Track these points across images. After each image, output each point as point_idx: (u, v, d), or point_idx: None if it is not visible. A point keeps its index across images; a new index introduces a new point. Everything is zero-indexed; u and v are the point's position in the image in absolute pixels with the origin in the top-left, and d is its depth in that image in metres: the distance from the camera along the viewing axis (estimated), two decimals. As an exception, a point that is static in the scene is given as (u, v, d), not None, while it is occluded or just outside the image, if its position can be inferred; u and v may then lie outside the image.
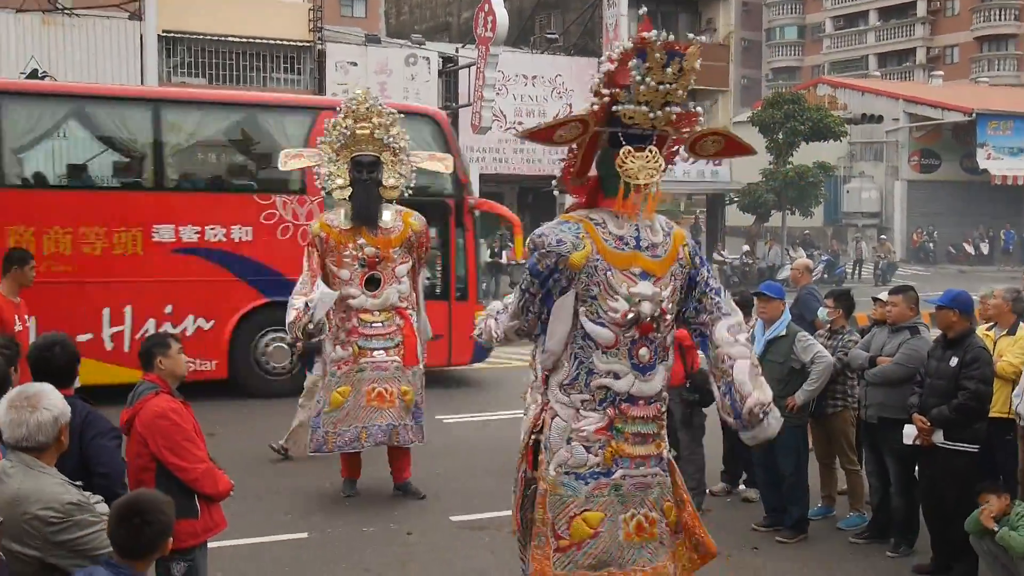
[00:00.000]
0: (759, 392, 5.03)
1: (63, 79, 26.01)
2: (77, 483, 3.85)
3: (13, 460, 3.77)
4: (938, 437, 6.67)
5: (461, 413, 12.18)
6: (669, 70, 4.76)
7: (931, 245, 41.17)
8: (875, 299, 7.98)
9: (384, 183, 8.58)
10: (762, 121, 32.51)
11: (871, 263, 35.46)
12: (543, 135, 5.00)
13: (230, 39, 28.48)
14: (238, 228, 12.69)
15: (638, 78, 4.74)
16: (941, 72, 52.36)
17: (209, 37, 28.34)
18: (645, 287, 4.94)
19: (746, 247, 33.53)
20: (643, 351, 5.00)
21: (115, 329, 12.20)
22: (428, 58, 30.38)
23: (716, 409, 5.30)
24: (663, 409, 5.14)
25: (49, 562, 3.70)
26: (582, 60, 31.64)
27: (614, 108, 4.84)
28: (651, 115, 4.83)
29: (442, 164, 9.69)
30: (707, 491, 8.51)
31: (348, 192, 8.49)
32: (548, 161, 30.11)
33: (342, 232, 8.44)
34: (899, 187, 42.23)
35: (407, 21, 39.20)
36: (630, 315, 4.91)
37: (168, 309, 12.42)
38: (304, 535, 7.70)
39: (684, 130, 5.01)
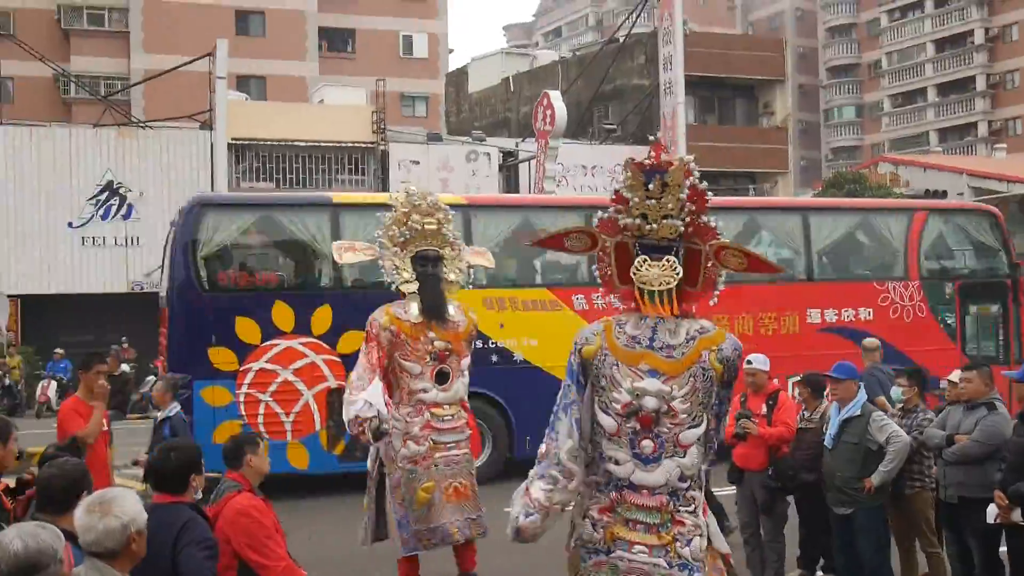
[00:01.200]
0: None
1: (138, 189, 26.95)
2: None
3: (88, 566, 3.82)
4: (1017, 516, 6.48)
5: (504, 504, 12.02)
6: (651, 187, 5.35)
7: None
8: (949, 381, 7.85)
9: (446, 277, 8.70)
10: (824, 202, 32.40)
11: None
12: (553, 242, 5.73)
13: (296, 143, 29.31)
14: (864, 310, 14.92)
15: (625, 194, 5.40)
16: (1004, 145, 51.85)
17: (276, 143, 29.19)
18: (651, 383, 5.36)
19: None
20: (646, 443, 5.39)
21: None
22: (488, 153, 30.92)
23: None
24: (676, 506, 5.40)
25: None
26: (641, 149, 31.83)
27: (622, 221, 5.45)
28: (647, 227, 5.39)
29: (484, 259, 9.79)
30: (785, 578, 8.32)
31: (414, 286, 8.56)
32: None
33: (413, 326, 8.44)
34: (969, 262, 41.56)
35: (467, 118, 40.01)
36: (630, 407, 5.35)
37: None
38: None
39: (709, 242, 5.49)
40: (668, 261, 5.45)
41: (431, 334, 8.45)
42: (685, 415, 5.40)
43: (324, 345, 12.18)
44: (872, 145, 71.85)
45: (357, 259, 9.45)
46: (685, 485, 5.46)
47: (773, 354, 12.87)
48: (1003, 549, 7.02)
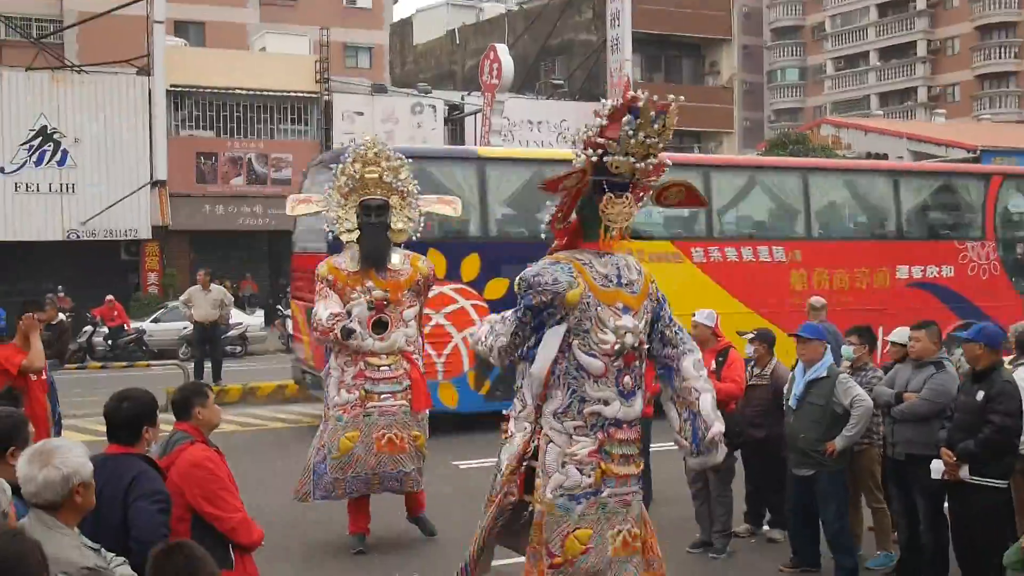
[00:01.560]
0: (719, 424, 5.73)
1: (72, 135, 26.26)
2: (95, 546, 3.73)
3: (33, 518, 3.68)
4: (964, 472, 6.57)
5: (476, 458, 12.06)
6: (656, 126, 5.45)
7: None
8: (891, 342, 7.91)
9: (392, 227, 8.61)
10: (767, 162, 32.60)
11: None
12: (553, 185, 5.69)
13: (237, 91, 28.75)
14: (946, 267, 16.20)
15: (630, 132, 5.39)
16: (943, 111, 52.57)
17: (216, 90, 28.58)
18: (628, 320, 5.57)
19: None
20: (627, 379, 5.62)
21: None
22: (434, 106, 30.63)
23: (673, 433, 5.87)
24: (640, 432, 5.76)
25: None
26: (587, 105, 31.78)
27: (604, 158, 5.46)
28: (637, 166, 5.48)
29: (451, 208, 9.71)
30: (732, 533, 8.39)
31: (355, 235, 8.51)
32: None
33: (350, 275, 8.44)
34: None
35: (412, 70, 39.56)
36: (617, 346, 5.51)
37: None
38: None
39: (652, 179, 5.66)
40: (627, 198, 5.60)
41: (369, 283, 8.43)
42: (646, 346, 5.71)
43: (472, 291, 12.95)
44: (814, 107, 72.50)
45: (309, 211, 9.44)
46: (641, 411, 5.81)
47: (866, 306, 14.54)
48: (946, 506, 7.15)
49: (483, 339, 5.88)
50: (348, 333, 8.14)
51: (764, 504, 8.75)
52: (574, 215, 5.76)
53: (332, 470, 8.23)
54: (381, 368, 8.38)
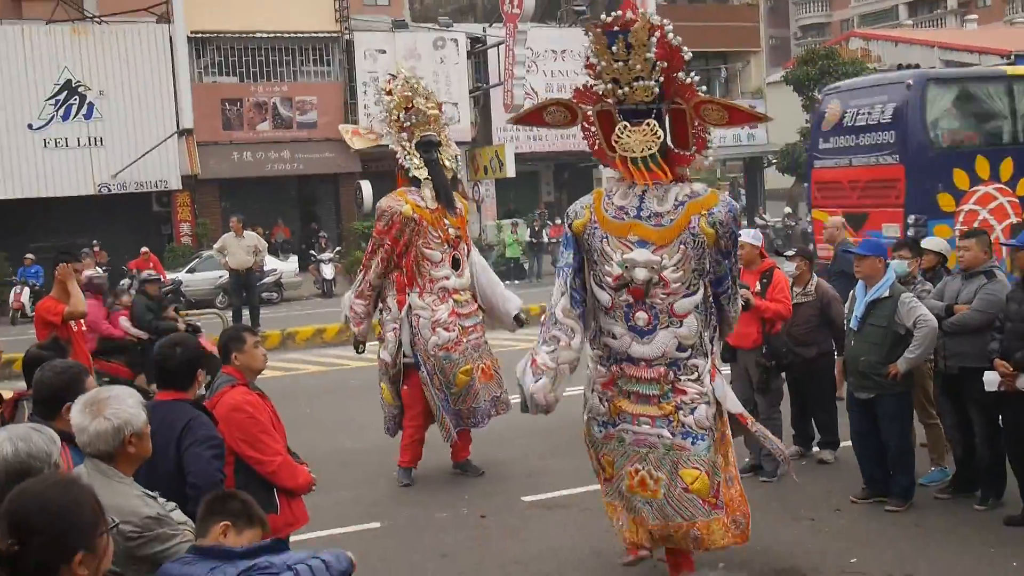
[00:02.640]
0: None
1: (97, 87, 26.18)
2: (152, 494, 3.69)
3: (89, 467, 3.64)
4: (1022, 382, 6.45)
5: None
6: (615, 48, 5.26)
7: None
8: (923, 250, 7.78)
9: (444, 164, 8.54)
10: (796, 79, 31.98)
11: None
12: (532, 118, 5.90)
13: (258, 35, 28.50)
14: None
15: (592, 59, 5.35)
16: (975, 16, 51.25)
17: (237, 35, 28.35)
18: (640, 254, 5.36)
19: (788, 209, 33.09)
20: (640, 315, 5.42)
21: None
22: (456, 40, 30.23)
23: None
24: (677, 376, 5.48)
25: None
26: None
27: (594, 88, 5.42)
28: (619, 91, 5.32)
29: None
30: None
31: (425, 172, 8.42)
32: (583, 137, 29.82)
33: (432, 213, 8.36)
34: (941, 137, 41.46)
35: (431, 4, 38.99)
36: (619, 280, 5.39)
37: None
38: (376, 524, 7.63)
39: (691, 101, 5.39)
40: (648, 125, 5.38)
41: (446, 220, 8.42)
42: (678, 284, 5.41)
43: (1007, 189, 13.73)
44: (841, 21, 70.94)
45: (364, 144, 9.46)
46: (685, 355, 5.50)
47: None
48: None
49: (558, 342, 5.60)
50: (357, 345, 8.69)
51: (810, 426, 8.67)
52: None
53: (454, 403, 8.36)
54: (464, 304, 8.48)
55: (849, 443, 7.80)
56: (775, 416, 8.14)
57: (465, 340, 8.37)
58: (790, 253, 8.66)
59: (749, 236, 8.44)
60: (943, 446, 7.78)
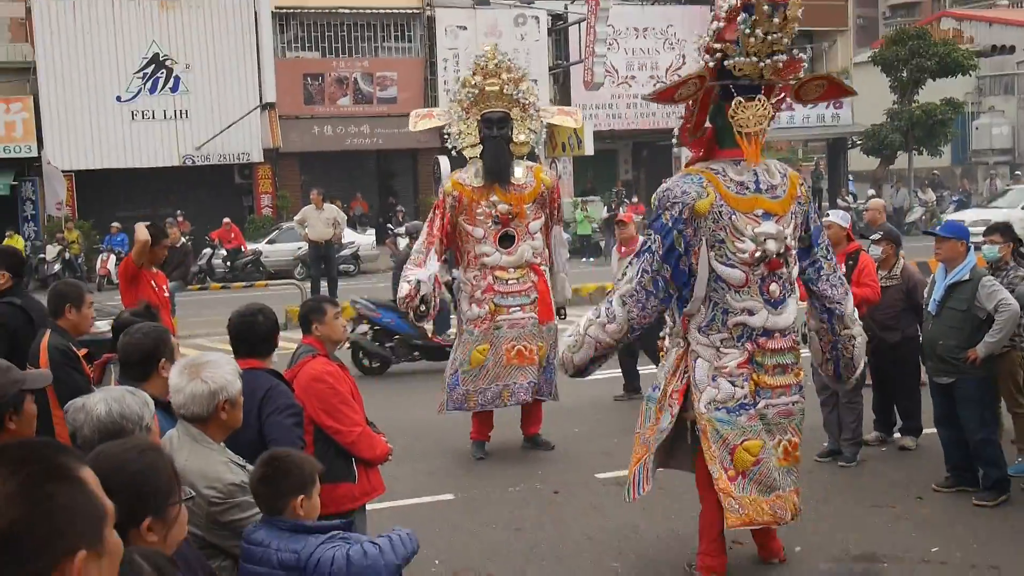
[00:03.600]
0: (862, 366, 6.23)
1: (182, 61, 26.62)
2: (242, 462, 3.74)
3: (181, 431, 3.71)
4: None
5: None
6: (775, 20, 5.26)
7: (1070, 179, 39.18)
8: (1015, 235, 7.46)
9: (515, 139, 8.50)
10: (885, 59, 31.26)
11: (1007, 201, 33.86)
12: (666, 95, 5.72)
13: (340, 11, 28.71)
14: None
15: (747, 31, 5.24)
16: (1075, -4, 49.54)
17: (320, 10, 28.59)
18: (769, 226, 5.47)
19: (872, 191, 32.39)
20: (773, 287, 5.55)
21: None
22: (537, 17, 30.11)
23: (814, 362, 6.30)
24: (798, 340, 5.80)
25: (211, 541, 3.59)
26: (693, 9, 30.92)
27: (724, 63, 5.36)
28: (760, 64, 5.32)
29: (572, 119, 9.61)
30: (862, 441, 8.17)
31: (479, 150, 8.46)
32: (662, 115, 29.58)
33: (475, 190, 8.40)
34: (1034, 121, 40.25)
35: (513, -19, 38.86)
36: (757, 254, 5.44)
37: None
38: (450, 496, 7.67)
39: (790, 78, 5.54)
40: (760, 100, 5.44)
41: (493, 197, 8.39)
42: (795, 251, 5.69)
43: None
44: (933, 1, 69.03)
45: (431, 125, 9.53)
46: (799, 320, 6.00)
47: None
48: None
49: (598, 316, 5.77)
50: (420, 317, 8.42)
51: (891, 412, 8.49)
52: (708, 125, 5.68)
53: (464, 382, 8.36)
54: (509, 282, 8.42)
55: (933, 430, 7.61)
56: (856, 400, 7.98)
57: (500, 318, 8.32)
58: (876, 236, 8.46)
59: (838, 217, 8.29)
60: (1032, 436, 7.56)
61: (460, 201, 8.39)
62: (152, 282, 7.76)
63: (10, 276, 6.12)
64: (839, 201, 31.04)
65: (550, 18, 30.53)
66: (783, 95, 5.66)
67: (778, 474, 5.59)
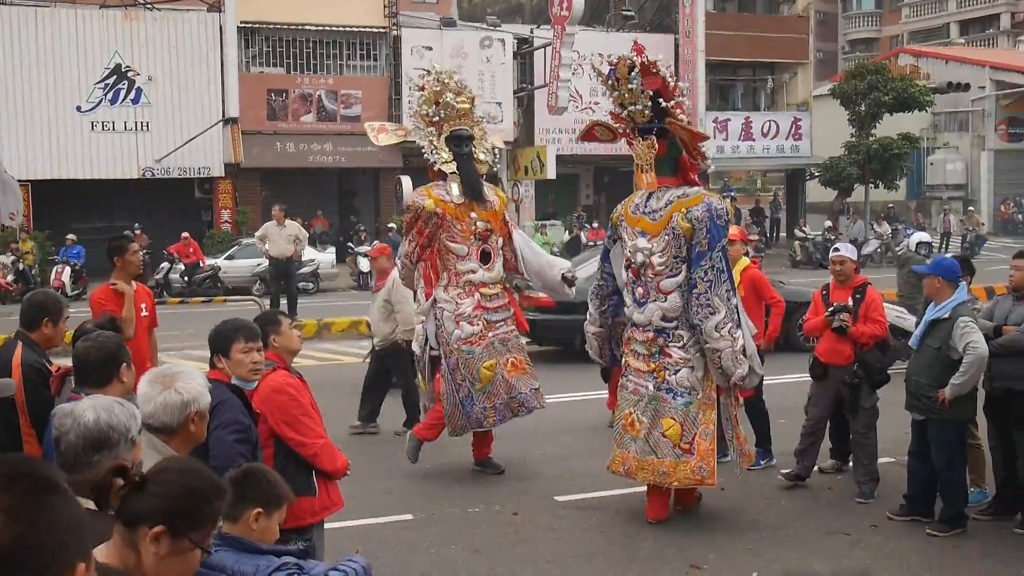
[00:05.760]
0: (740, 369, 6.89)
1: (145, 72, 26.43)
2: None
3: (145, 441, 3.66)
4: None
5: (550, 394, 12.01)
6: (610, 82, 7.22)
7: (1020, 216, 39.90)
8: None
9: (477, 158, 8.54)
10: (844, 93, 31.67)
11: (959, 236, 34.45)
12: (588, 136, 7.72)
13: (306, 27, 28.67)
14: None
15: (607, 90, 7.38)
16: (1028, 37, 50.62)
17: (286, 26, 28.53)
18: (640, 242, 7.11)
19: (828, 223, 32.79)
20: (639, 289, 7.18)
21: None
22: (503, 40, 30.25)
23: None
24: (666, 342, 7.07)
25: None
26: (658, 37, 31.23)
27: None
28: (624, 113, 7.23)
29: (497, 138, 9.82)
30: (819, 469, 8.21)
31: (453, 166, 8.44)
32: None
33: (458, 207, 8.37)
34: (985, 157, 40.96)
35: (480, 4, 39.05)
36: (627, 262, 7.19)
37: None
38: (408, 516, 7.63)
39: (668, 119, 7.09)
40: (647, 140, 7.07)
41: (473, 214, 8.41)
42: (662, 267, 7.03)
43: None
44: (891, 37, 70.20)
45: (390, 140, 9.43)
46: (672, 325, 7.06)
47: None
48: None
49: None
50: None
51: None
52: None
53: (479, 401, 8.28)
54: (492, 298, 8.47)
55: (888, 459, 7.68)
56: (869, 437, 7.81)
57: (490, 335, 8.34)
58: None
59: (846, 250, 8.16)
60: (984, 467, 7.66)
61: (444, 218, 8.32)
62: (143, 305, 7.70)
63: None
64: (796, 232, 31.35)
65: (516, 41, 30.69)
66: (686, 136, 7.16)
67: (624, 436, 7.22)
